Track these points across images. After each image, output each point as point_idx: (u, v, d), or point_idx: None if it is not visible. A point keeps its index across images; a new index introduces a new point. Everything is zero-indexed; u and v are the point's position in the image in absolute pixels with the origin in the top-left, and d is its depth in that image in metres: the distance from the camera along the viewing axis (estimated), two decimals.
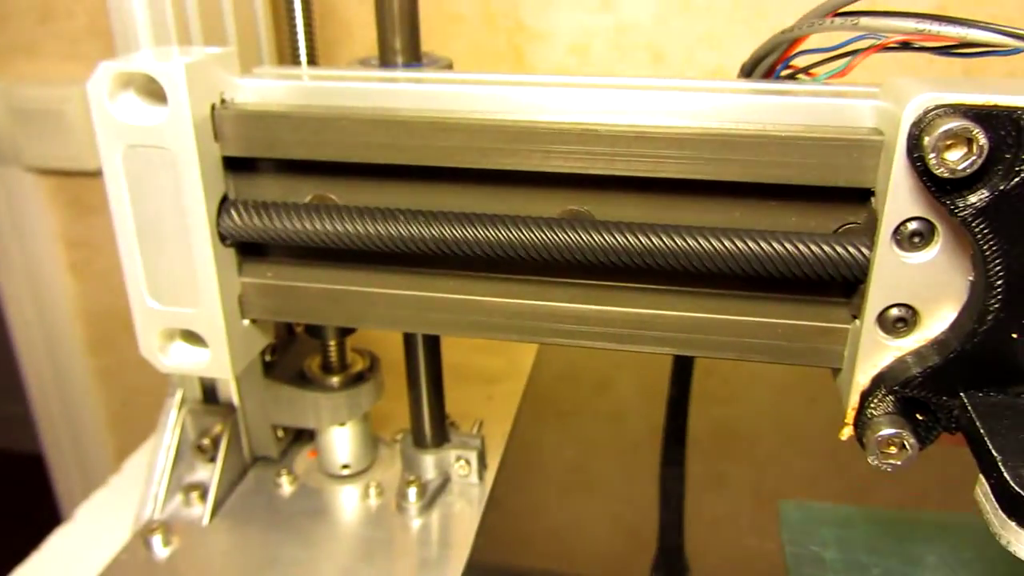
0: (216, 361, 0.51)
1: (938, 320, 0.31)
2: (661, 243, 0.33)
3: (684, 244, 0.33)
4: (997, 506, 0.26)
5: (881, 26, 0.32)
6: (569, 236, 0.34)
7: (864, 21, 0.32)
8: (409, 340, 0.64)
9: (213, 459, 0.62)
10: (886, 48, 0.34)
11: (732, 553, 0.61)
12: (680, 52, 0.92)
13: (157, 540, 0.58)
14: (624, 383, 0.81)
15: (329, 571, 0.59)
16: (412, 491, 0.65)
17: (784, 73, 0.39)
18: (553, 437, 0.75)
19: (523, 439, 0.73)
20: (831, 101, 0.33)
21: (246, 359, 0.52)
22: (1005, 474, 0.26)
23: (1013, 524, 0.26)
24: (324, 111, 0.36)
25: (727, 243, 0.32)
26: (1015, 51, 0.31)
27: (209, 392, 0.63)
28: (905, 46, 0.34)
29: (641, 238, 0.33)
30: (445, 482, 0.68)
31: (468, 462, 0.68)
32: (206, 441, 0.63)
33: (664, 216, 0.34)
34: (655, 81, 0.36)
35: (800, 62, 0.38)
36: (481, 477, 0.68)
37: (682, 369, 0.74)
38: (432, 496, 0.66)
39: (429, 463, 0.67)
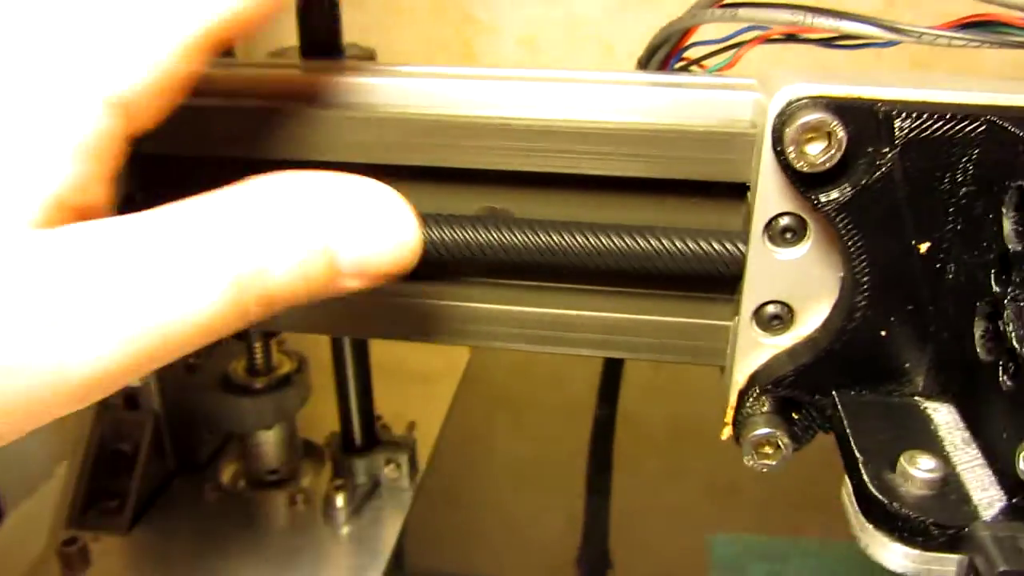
0: None
1: (813, 317, 0.30)
2: (535, 239, 0.32)
3: (555, 240, 0.32)
4: (857, 508, 0.26)
5: (758, 17, 0.31)
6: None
7: (742, 12, 0.32)
8: (336, 341, 0.62)
9: (133, 466, 0.61)
10: (770, 40, 0.33)
11: (659, 544, 0.61)
12: (630, 44, 0.92)
13: (72, 553, 0.57)
14: (561, 379, 0.80)
15: None
16: (340, 498, 0.63)
17: (678, 65, 0.38)
18: (484, 435, 0.74)
19: (453, 439, 0.72)
20: (716, 94, 0.32)
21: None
22: (864, 475, 0.25)
23: (871, 527, 0.25)
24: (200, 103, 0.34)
25: (596, 239, 0.31)
26: (890, 43, 0.30)
27: (130, 397, 0.62)
28: (791, 38, 0.33)
29: (504, 233, 0.32)
30: (375, 486, 0.67)
31: (398, 465, 0.67)
32: (126, 447, 0.61)
33: (583, 214, 0.33)
34: (566, 74, 0.35)
35: (693, 53, 0.37)
36: (412, 480, 0.67)
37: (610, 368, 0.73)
38: (361, 501, 0.65)
39: (359, 467, 0.66)
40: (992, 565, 0.23)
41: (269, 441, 0.65)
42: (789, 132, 0.27)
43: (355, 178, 0.26)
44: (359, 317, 0.37)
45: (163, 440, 0.63)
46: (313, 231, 0.24)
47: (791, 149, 0.27)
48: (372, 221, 0.25)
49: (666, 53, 0.37)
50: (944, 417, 0.28)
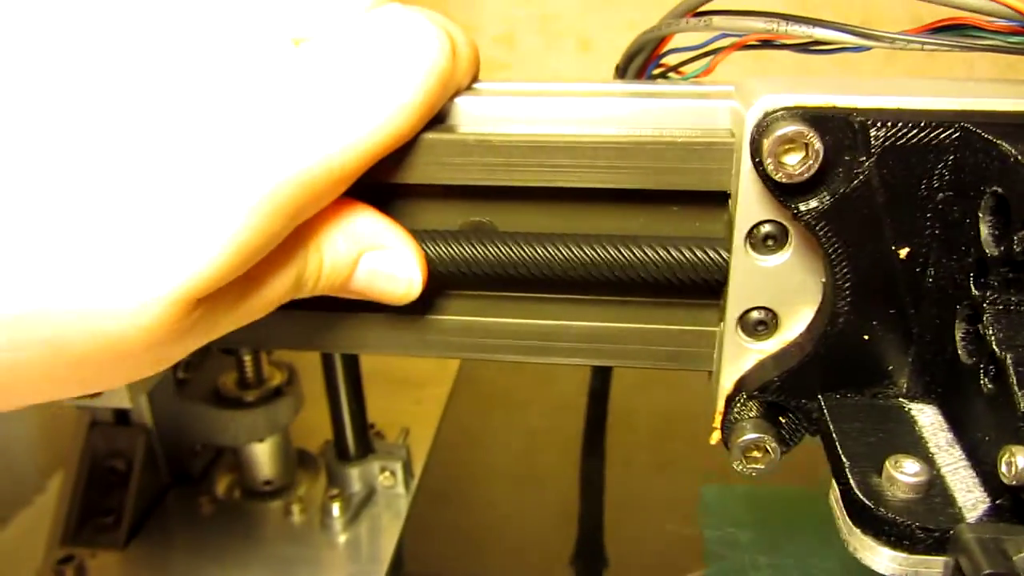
0: (113, 392, 0.50)
1: (797, 323, 0.31)
2: (520, 251, 0.32)
3: (540, 252, 0.32)
4: (845, 512, 0.26)
5: (733, 26, 0.32)
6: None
7: (717, 21, 0.32)
8: (327, 353, 0.63)
9: (127, 482, 0.61)
10: (746, 46, 0.33)
11: (653, 537, 0.62)
12: (607, 40, 0.92)
13: (69, 570, 0.57)
14: (552, 383, 0.80)
15: None
16: (335, 506, 0.64)
17: (656, 71, 0.38)
18: (479, 438, 0.75)
19: (448, 442, 0.73)
20: (693, 103, 0.32)
21: (146, 385, 0.51)
22: (851, 480, 0.26)
23: (858, 531, 0.25)
24: None
25: (581, 250, 0.31)
26: (861, 48, 0.31)
27: (121, 413, 0.62)
28: (766, 44, 0.34)
29: (516, 247, 0.32)
30: (370, 494, 0.67)
31: (393, 473, 0.67)
32: (119, 464, 0.61)
33: (566, 225, 0.34)
34: (546, 86, 0.35)
35: (670, 60, 0.38)
36: (408, 487, 0.67)
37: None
38: (357, 509, 0.65)
39: (353, 475, 0.66)
40: (977, 567, 0.23)
41: (263, 452, 0.65)
42: (767, 144, 0.27)
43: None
44: (346, 333, 0.37)
45: (156, 455, 0.63)
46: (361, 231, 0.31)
47: (769, 161, 0.27)
48: (397, 255, 0.31)
49: (643, 61, 0.37)
50: (928, 419, 0.29)
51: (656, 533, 0.62)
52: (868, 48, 0.30)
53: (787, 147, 0.27)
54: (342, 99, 0.27)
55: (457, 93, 0.33)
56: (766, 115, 0.27)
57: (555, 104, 0.33)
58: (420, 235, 0.33)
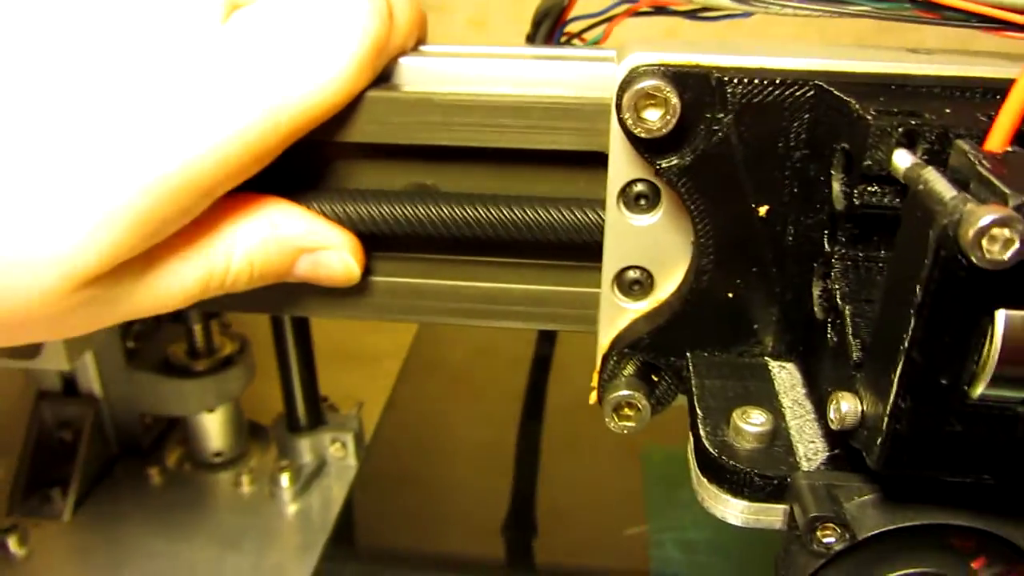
0: (50, 352, 0.50)
1: (669, 282, 0.31)
2: (416, 211, 0.33)
3: (433, 211, 0.32)
4: (695, 463, 0.26)
5: None
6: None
7: None
8: (277, 321, 0.63)
9: (74, 452, 0.62)
10: (638, 12, 0.34)
11: (596, 497, 0.62)
12: None
13: (12, 540, 0.57)
14: (502, 351, 0.81)
15: (196, 562, 0.59)
16: (284, 477, 0.64)
17: (562, 40, 0.38)
18: (427, 411, 0.75)
19: (398, 414, 0.73)
20: (583, 66, 0.33)
21: (85, 347, 0.52)
22: (701, 431, 0.26)
23: (705, 481, 0.26)
24: None
25: (463, 209, 0.32)
26: (745, 14, 0.31)
27: (69, 383, 0.63)
28: (659, 10, 0.34)
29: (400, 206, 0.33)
30: (321, 465, 0.67)
31: (344, 444, 0.67)
32: (67, 434, 0.62)
33: (503, 186, 0.34)
34: (478, 49, 0.35)
35: (574, 28, 0.38)
36: (359, 459, 0.68)
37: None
38: (307, 480, 0.66)
39: (304, 447, 0.67)
40: (805, 511, 0.23)
41: (213, 423, 0.66)
42: (626, 99, 0.27)
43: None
44: (288, 296, 0.38)
45: (104, 425, 0.64)
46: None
47: (628, 115, 0.27)
48: (330, 252, 0.32)
49: (548, 27, 0.38)
50: (788, 376, 0.29)
51: (599, 493, 0.63)
52: (749, 14, 0.31)
53: (647, 103, 0.27)
54: (268, 71, 0.27)
55: (401, 54, 0.33)
56: (630, 72, 0.28)
57: (468, 65, 0.33)
58: (352, 194, 0.33)
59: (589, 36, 0.37)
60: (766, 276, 0.29)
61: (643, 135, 0.27)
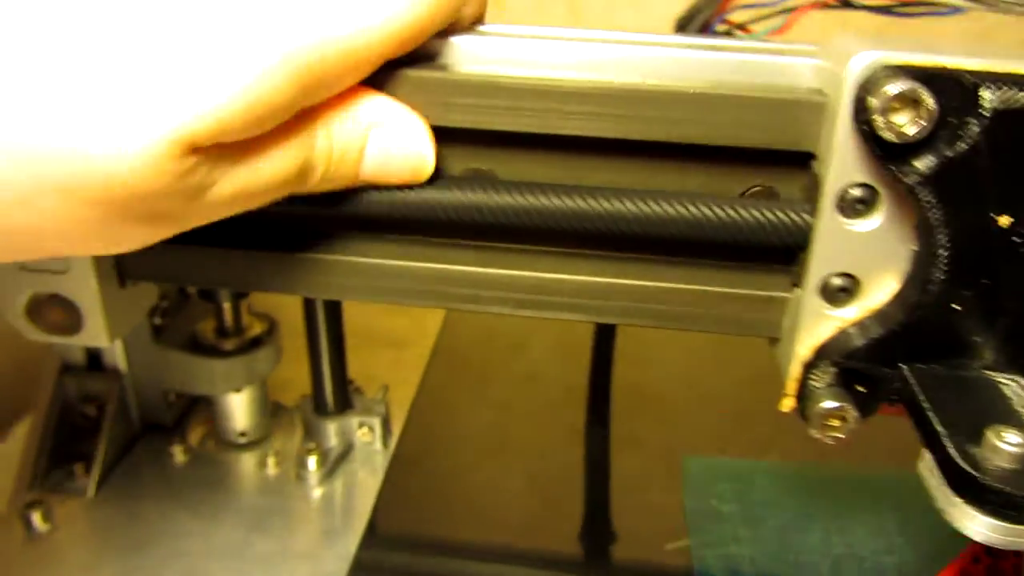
0: (91, 329, 0.47)
1: (880, 290, 0.30)
2: (587, 205, 0.31)
3: (617, 207, 0.31)
4: (943, 482, 0.26)
5: None
6: (473, 195, 0.31)
7: None
8: (309, 302, 0.61)
9: (98, 428, 0.58)
10: (826, 5, 0.33)
11: (635, 509, 0.61)
12: (598, 9, 0.90)
13: (36, 516, 0.54)
14: (536, 344, 0.79)
15: (222, 543, 0.56)
16: (312, 460, 0.62)
17: (720, 28, 0.37)
18: (460, 399, 0.73)
19: (429, 402, 0.71)
20: (768, 59, 0.31)
21: (127, 326, 0.49)
22: (950, 450, 0.26)
23: (959, 500, 0.25)
24: None
25: (662, 206, 0.30)
26: (956, 10, 0.30)
27: (93, 357, 0.59)
28: (846, 4, 0.33)
29: (565, 200, 0.31)
30: (348, 449, 0.65)
31: (371, 428, 0.65)
32: (90, 409, 0.59)
33: (573, 177, 0.32)
34: (573, 32, 0.33)
35: (737, 18, 0.37)
36: (385, 444, 0.66)
37: (605, 329, 0.73)
38: (334, 464, 0.64)
39: (330, 430, 0.65)
40: None
41: (239, 403, 0.63)
42: (875, 101, 0.26)
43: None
44: (332, 278, 0.36)
45: (128, 402, 0.61)
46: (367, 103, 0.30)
47: (878, 119, 0.26)
48: (406, 129, 0.30)
49: (708, 16, 0.36)
50: (1016, 391, 0.29)
51: (636, 503, 0.62)
52: (962, 10, 0.30)
53: (896, 105, 0.26)
54: None
55: (457, 29, 0.32)
56: (875, 72, 0.27)
57: (609, 50, 0.32)
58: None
59: (757, 27, 0.36)
60: (996, 288, 0.28)
61: (891, 139, 0.26)
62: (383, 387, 0.69)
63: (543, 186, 0.31)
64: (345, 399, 0.65)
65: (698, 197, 0.31)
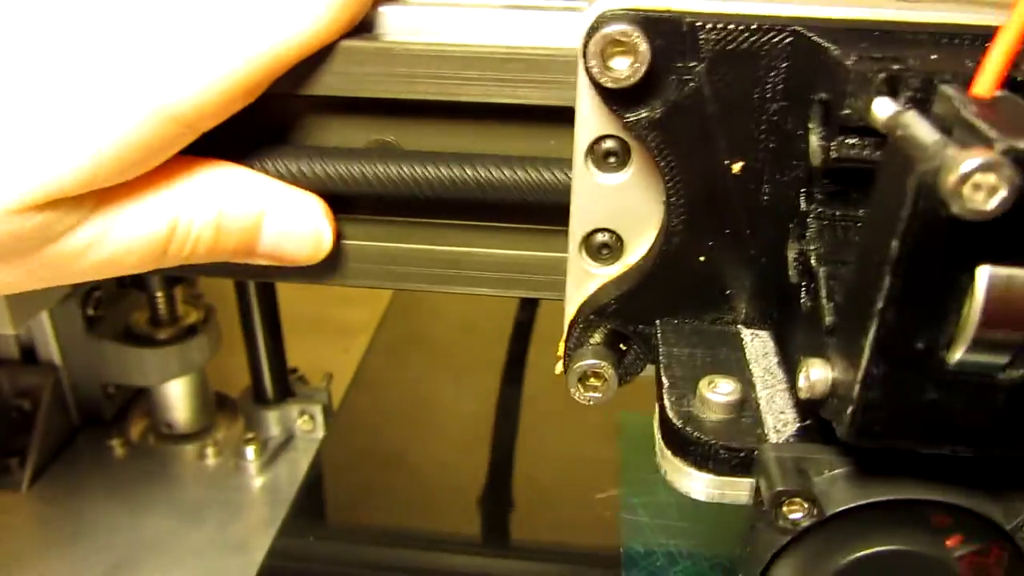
0: None
1: (640, 246, 0.29)
2: (377, 169, 0.31)
3: (394, 169, 0.30)
4: (659, 435, 0.25)
5: None
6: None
7: None
8: (241, 288, 0.61)
9: (33, 422, 0.60)
10: None
11: (569, 461, 0.62)
12: None
13: None
14: (478, 324, 0.79)
15: (153, 535, 0.57)
16: (250, 450, 0.63)
17: None
18: (396, 381, 0.73)
19: (366, 387, 0.72)
20: (555, 15, 0.31)
21: (31, 314, 0.50)
22: (666, 401, 0.25)
23: (668, 453, 0.24)
24: None
25: (429, 167, 0.30)
26: None
27: (27, 351, 0.61)
28: None
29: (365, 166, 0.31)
30: (288, 438, 0.66)
31: (312, 417, 0.66)
32: (25, 403, 0.60)
33: (470, 144, 0.32)
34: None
35: None
36: (326, 432, 0.66)
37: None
38: (274, 453, 0.64)
39: (271, 419, 0.65)
40: (771, 486, 0.22)
41: (178, 394, 0.64)
42: (592, 45, 0.25)
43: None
44: None
45: (64, 395, 0.62)
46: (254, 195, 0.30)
47: (593, 63, 0.25)
48: (296, 216, 0.31)
49: None
50: (760, 344, 0.27)
51: (573, 457, 0.62)
52: None
53: (615, 50, 0.25)
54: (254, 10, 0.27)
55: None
56: (598, 18, 0.26)
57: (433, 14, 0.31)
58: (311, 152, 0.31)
59: None
60: (739, 238, 0.27)
61: (610, 85, 0.26)
62: (326, 375, 0.69)
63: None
64: (285, 388, 0.66)
65: (464, 157, 0.30)
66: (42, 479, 0.60)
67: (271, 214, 0.30)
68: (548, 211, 0.31)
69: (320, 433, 0.66)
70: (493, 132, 0.32)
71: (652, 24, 0.25)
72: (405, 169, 0.30)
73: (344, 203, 0.32)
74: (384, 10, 0.31)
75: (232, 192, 0.30)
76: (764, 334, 0.28)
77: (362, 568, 0.58)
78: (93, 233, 0.28)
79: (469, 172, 0.30)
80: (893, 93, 0.21)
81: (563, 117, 0.29)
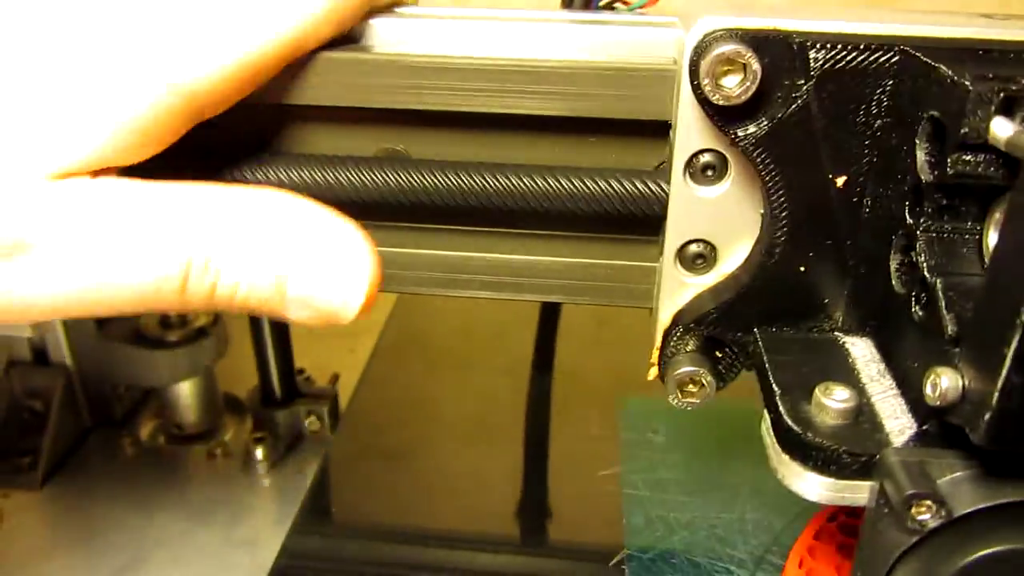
0: None
1: (735, 256, 0.30)
2: (464, 181, 0.31)
3: (482, 182, 0.31)
4: (775, 440, 0.26)
5: None
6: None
7: None
8: None
9: (45, 423, 0.59)
10: None
11: (571, 443, 0.64)
12: None
13: None
14: (482, 326, 0.80)
15: (166, 534, 0.57)
16: (259, 450, 0.62)
17: (603, 3, 0.37)
18: (403, 382, 0.74)
19: (373, 387, 0.71)
20: (637, 31, 0.32)
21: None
22: (781, 408, 0.26)
23: (787, 458, 0.25)
24: None
25: (519, 180, 0.30)
26: None
27: (39, 352, 0.60)
28: None
29: (446, 176, 0.31)
30: (298, 439, 0.66)
31: (320, 418, 0.66)
32: (37, 404, 0.59)
33: (482, 154, 0.33)
34: (470, 11, 0.33)
35: None
36: (334, 432, 0.66)
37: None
38: (283, 453, 0.64)
39: (279, 419, 0.65)
40: (900, 489, 0.23)
41: (187, 395, 0.64)
42: (704, 64, 0.26)
43: (322, 212, 0.28)
44: None
45: (76, 396, 0.62)
46: (268, 258, 0.27)
47: (706, 82, 0.26)
48: (327, 260, 0.28)
49: None
50: (861, 351, 0.29)
51: (574, 437, 0.64)
52: None
53: (725, 68, 0.26)
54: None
55: (373, 13, 0.32)
56: (705, 37, 0.27)
57: (497, 28, 0.32)
58: (333, 161, 0.31)
59: (631, 1, 0.36)
60: (840, 249, 0.28)
61: (720, 102, 0.26)
62: (333, 375, 0.69)
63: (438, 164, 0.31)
64: (293, 388, 0.66)
65: (558, 169, 0.31)
66: (54, 479, 0.59)
67: (294, 278, 0.28)
68: (631, 222, 0.31)
69: (328, 434, 0.66)
70: (501, 141, 0.32)
71: (762, 43, 0.26)
72: (502, 181, 0.31)
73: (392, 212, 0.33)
74: (393, 21, 0.32)
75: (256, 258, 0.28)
76: (862, 341, 0.29)
77: (375, 566, 0.58)
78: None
79: (562, 183, 0.31)
80: (1008, 112, 0.22)
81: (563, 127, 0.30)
